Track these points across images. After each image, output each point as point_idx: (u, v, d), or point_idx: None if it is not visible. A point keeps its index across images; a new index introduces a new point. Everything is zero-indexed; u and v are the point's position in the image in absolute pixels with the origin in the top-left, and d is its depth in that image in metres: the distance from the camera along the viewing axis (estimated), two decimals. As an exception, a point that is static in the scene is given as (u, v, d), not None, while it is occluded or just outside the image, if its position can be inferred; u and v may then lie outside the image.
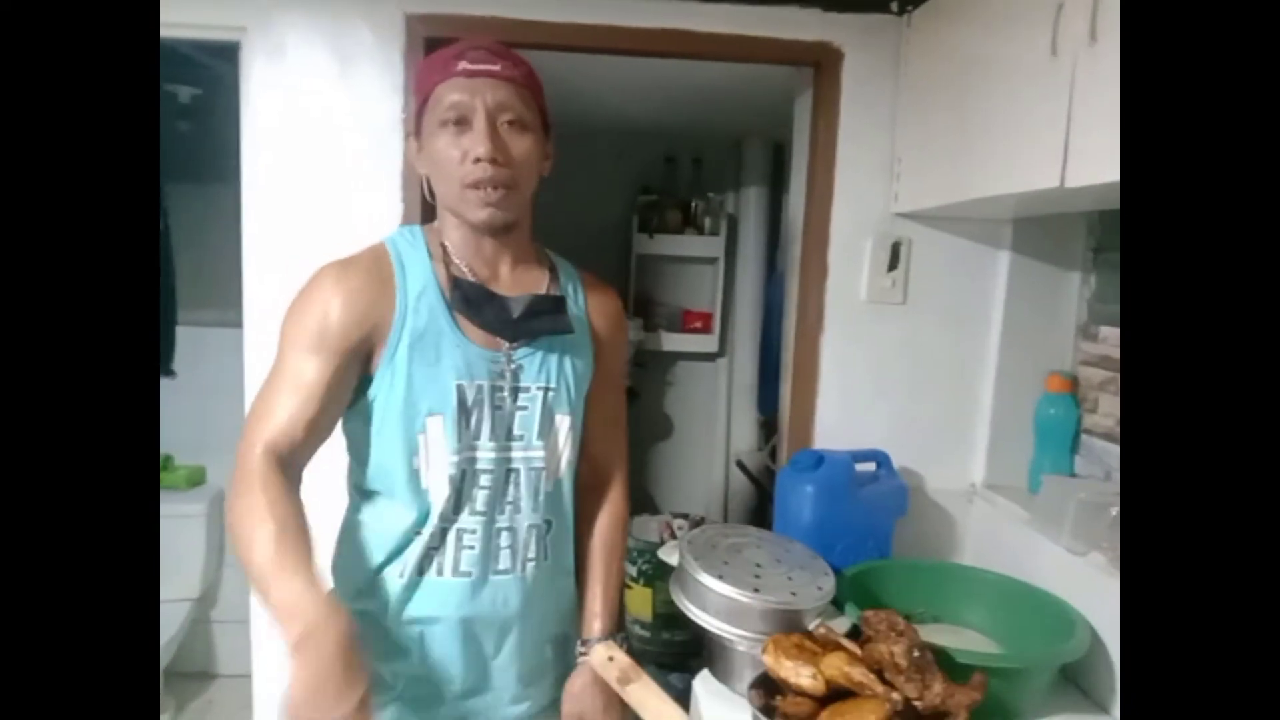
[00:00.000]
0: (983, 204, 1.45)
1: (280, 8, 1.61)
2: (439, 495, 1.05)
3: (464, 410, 1.05)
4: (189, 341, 2.68)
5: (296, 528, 0.93)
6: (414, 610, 1.07)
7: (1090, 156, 1.07)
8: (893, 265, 1.73)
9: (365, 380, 1.06)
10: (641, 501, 3.29)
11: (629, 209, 3.22)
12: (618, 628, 1.22)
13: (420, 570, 1.06)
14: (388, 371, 1.04)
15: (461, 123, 1.02)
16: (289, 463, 1.00)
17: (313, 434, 1.02)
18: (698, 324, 3.35)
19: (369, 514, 1.10)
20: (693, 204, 3.24)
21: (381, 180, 1.66)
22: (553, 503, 1.14)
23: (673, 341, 3.29)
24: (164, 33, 1.59)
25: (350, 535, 1.13)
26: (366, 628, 1.07)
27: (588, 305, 1.21)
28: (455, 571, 1.07)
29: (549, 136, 1.11)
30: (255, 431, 1.00)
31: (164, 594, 2.66)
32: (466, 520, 1.07)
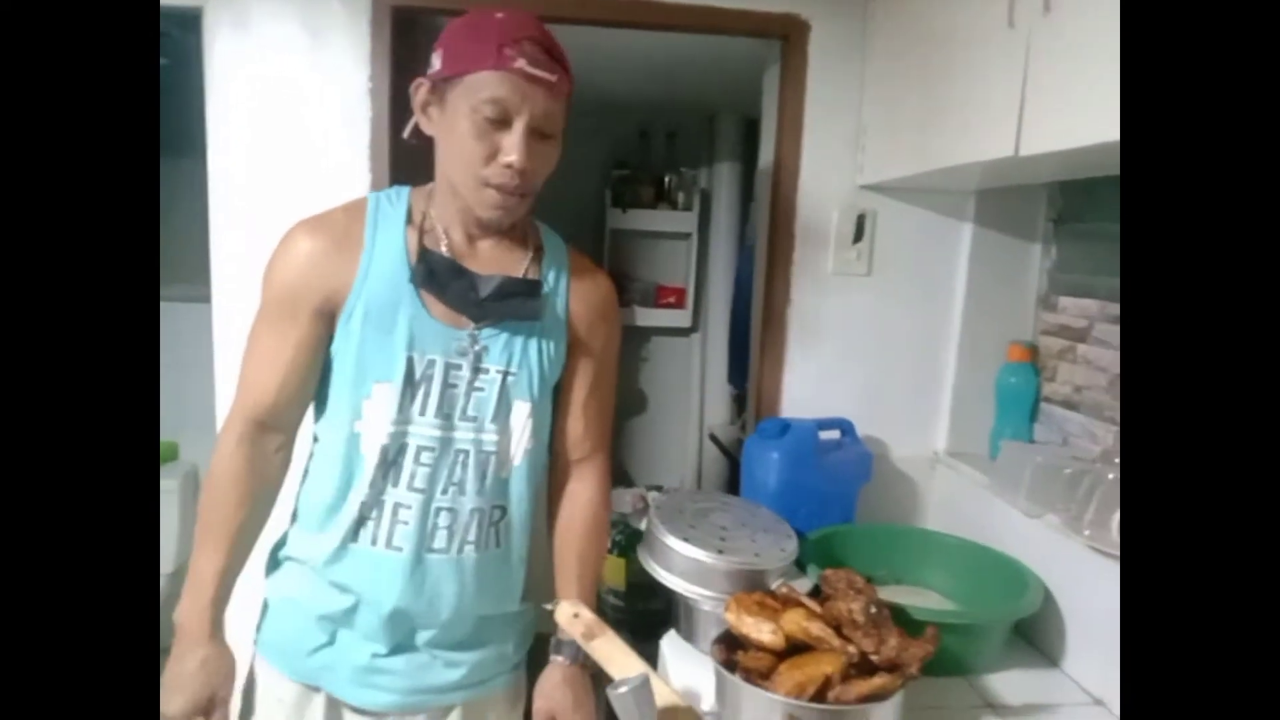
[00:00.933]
0: (945, 175, 1.48)
1: (244, -27, 1.60)
2: (371, 463, 1.05)
3: (410, 383, 1.04)
4: (162, 317, 2.66)
5: (235, 546, 1.08)
6: (342, 575, 1.08)
7: (1044, 125, 1.10)
8: (858, 237, 1.76)
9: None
10: (616, 474, 3.30)
11: (603, 183, 3.22)
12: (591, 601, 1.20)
13: (354, 536, 1.07)
14: (344, 333, 1.04)
15: (501, 122, 0.98)
16: (274, 426, 1.09)
17: (294, 395, 1.08)
18: (671, 299, 3.38)
19: (317, 464, 1.12)
20: (666, 179, 3.26)
21: (349, 152, 1.66)
22: (506, 489, 1.11)
23: (646, 317, 3.31)
24: (125, 0, 1.57)
25: (306, 477, 1.14)
26: (301, 579, 1.12)
27: (570, 291, 1.14)
28: (388, 544, 1.06)
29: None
30: (241, 399, 1.08)
31: (138, 570, 2.67)
32: (404, 495, 1.06)
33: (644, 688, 0.88)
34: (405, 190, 1.11)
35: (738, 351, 3.01)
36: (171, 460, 2.85)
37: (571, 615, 1.02)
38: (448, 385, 1.05)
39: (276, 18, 1.61)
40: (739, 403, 3.16)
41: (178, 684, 1.04)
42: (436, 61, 1.01)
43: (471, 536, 1.09)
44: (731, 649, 1.11)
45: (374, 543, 1.07)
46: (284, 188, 1.65)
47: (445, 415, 1.06)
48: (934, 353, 1.80)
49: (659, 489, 2.93)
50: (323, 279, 1.03)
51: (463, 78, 0.98)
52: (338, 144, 1.66)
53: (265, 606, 1.17)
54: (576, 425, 1.20)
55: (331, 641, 1.11)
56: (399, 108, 1.67)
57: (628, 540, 2.38)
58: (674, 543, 1.27)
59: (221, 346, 1.70)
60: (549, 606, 1.08)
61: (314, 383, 1.09)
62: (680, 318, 3.38)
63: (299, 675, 1.12)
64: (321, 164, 1.66)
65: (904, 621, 1.14)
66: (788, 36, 1.72)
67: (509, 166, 0.98)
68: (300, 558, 1.12)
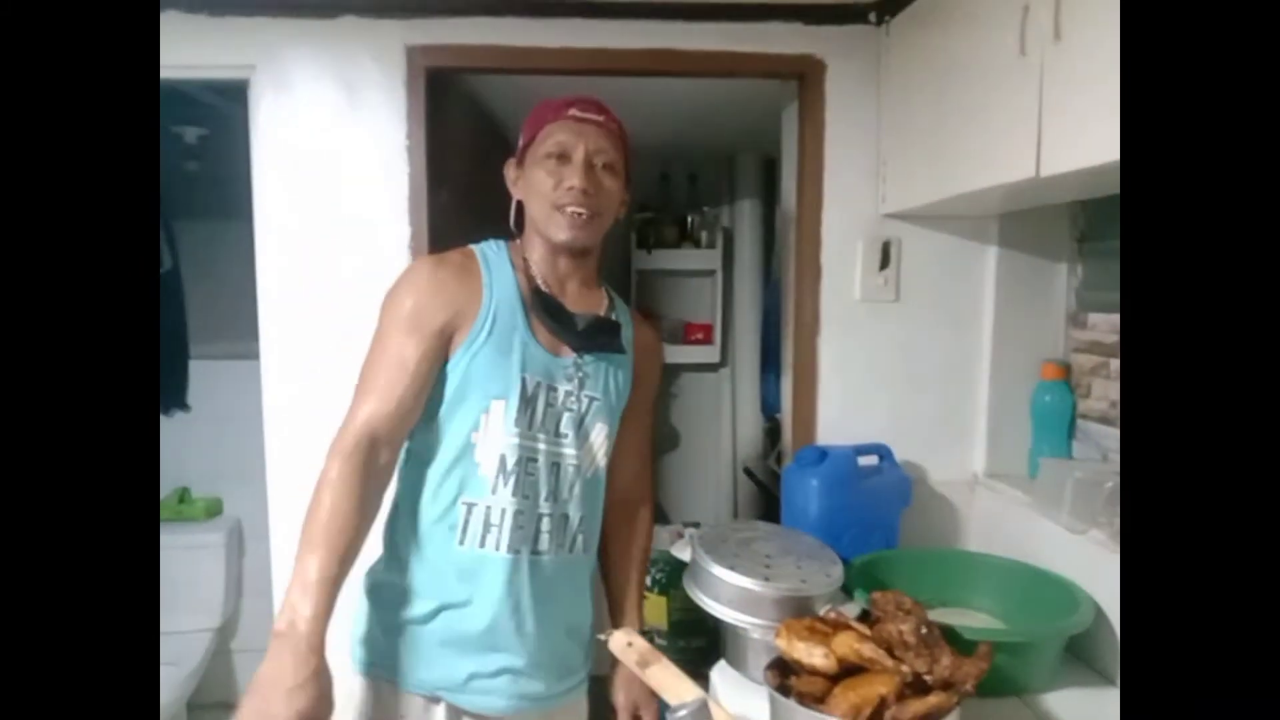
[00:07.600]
0: (967, 200, 1.51)
1: (287, 44, 1.68)
2: (489, 471, 1.17)
3: (525, 400, 1.18)
4: (203, 375, 2.73)
5: (346, 557, 1.06)
6: (466, 584, 1.17)
7: (1062, 145, 1.13)
8: (884, 264, 1.78)
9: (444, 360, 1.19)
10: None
11: (627, 226, 3.28)
12: (641, 627, 1.30)
13: (480, 542, 1.17)
14: (467, 354, 1.17)
15: (563, 157, 1.20)
16: (386, 440, 1.13)
17: (410, 408, 1.15)
18: (699, 335, 3.41)
19: (423, 480, 1.20)
20: (689, 219, 3.31)
21: (389, 206, 1.72)
22: (588, 500, 1.26)
23: (675, 354, 3.33)
24: (177, 74, 1.66)
25: (402, 502, 1.23)
26: (418, 598, 1.18)
27: (635, 337, 1.34)
28: (510, 549, 1.17)
29: (629, 185, 1.30)
30: (358, 409, 1.13)
31: (185, 625, 2.70)
32: (520, 502, 1.18)
33: (702, 711, 0.89)
34: (503, 243, 1.28)
35: (769, 385, 3.03)
36: (216, 515, 2.90)
37: (626, 644, 1.03)
38: (549, 405, 1.21)
39: (317, 80, 1.70)
40: (771, 435, 3.16)
41: (289, 697, 0.98)
42: (520, 141, 1.26)
43: (567, 541, 1.23)
44: (784, 674, 1.12)
45: (497, 548, 1.17)
46: (327, 243, 1.72)
47: (549, 431, 1.21)
48: (966, 375, 1.82)
49: (695, 525, 2.93)
50: (449, 301, 1.17)
51: (535, 137, 1.23)
52: (378, 198, 1.72)
53: (373, 629, 1.22)
54: (632, 465, 1.38)
55: (453, 656, 1.19)
56: (435, 164, 1.74)
57: (668, 578, 2.38)
58: (720, 572, 1.28)
59: (270, 401, 1.75)
60: (602, 636, 1.10)
61: (423, 402, 1.17)
62: (709, 353, 3.40)
63: (420, 688, 1.19)
64: (363, 219, 1.73)
65: (955, 641, 1.14)
66: (804, 76, 1.77)
67: (571, 188, 1.19)
68: (416, 577, 1.19)
